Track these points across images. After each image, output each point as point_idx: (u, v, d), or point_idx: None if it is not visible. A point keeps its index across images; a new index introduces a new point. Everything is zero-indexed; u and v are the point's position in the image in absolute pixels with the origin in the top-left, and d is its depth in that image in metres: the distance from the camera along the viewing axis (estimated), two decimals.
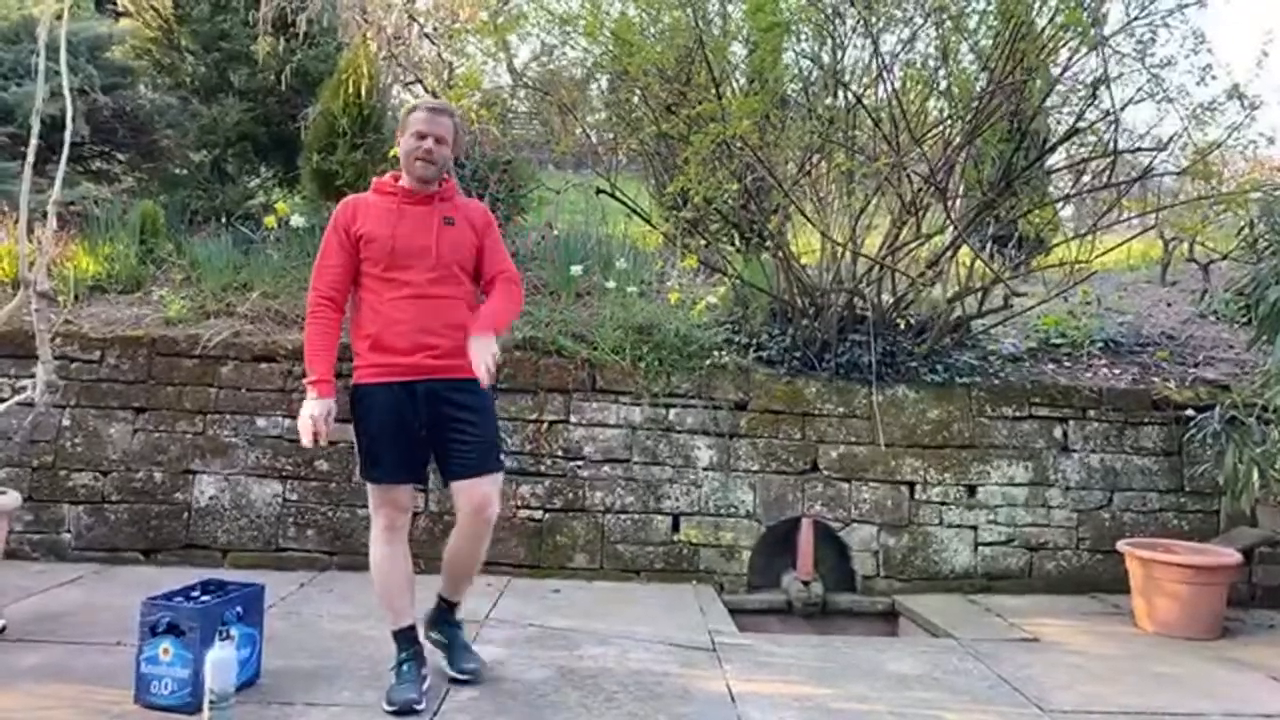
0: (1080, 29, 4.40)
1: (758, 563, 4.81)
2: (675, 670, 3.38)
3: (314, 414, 2.85)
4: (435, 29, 7.36)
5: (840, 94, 5.04)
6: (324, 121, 5.80)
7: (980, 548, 4.87)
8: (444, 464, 3.00)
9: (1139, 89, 4.54)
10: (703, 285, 5.99)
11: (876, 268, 5.09)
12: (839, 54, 4.94)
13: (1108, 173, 4.89)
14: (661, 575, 4.72)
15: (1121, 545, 4.41)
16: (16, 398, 3.89)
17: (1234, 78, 4.65)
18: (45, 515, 4.56)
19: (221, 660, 2.56)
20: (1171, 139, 4.71)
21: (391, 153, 5.32)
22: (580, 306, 5.38)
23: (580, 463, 4.78)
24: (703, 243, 5.84)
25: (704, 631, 3.90)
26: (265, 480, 4.66)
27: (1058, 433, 4.98)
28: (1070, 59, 4.70)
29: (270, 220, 5.69)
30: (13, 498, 3.68)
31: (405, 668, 2.92)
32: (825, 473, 4.86)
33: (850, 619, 4.68)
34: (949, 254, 5.15)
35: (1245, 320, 5.72)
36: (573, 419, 4.81)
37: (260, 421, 4.69)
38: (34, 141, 3.67)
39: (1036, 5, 4.53)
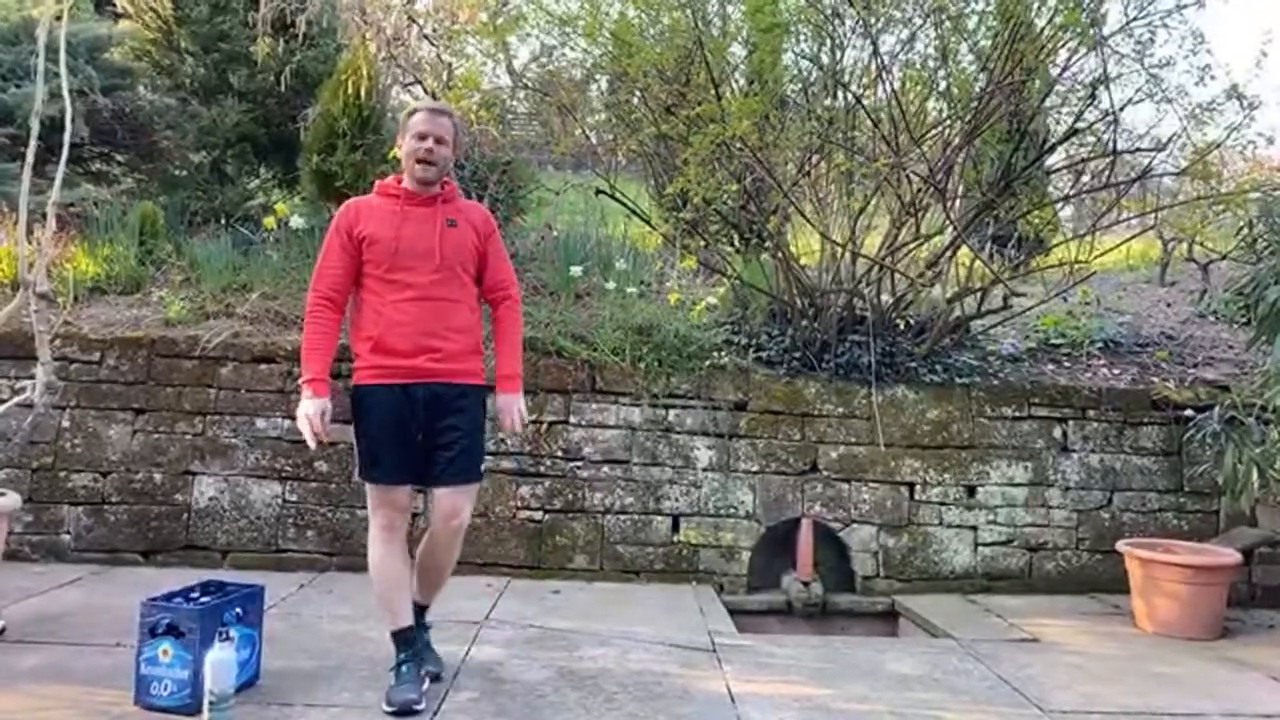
0: (1079, 29, 4.41)
1: (757, 563, 4.81)
2: (675, 671, 3.38)
3: (309, 413, 2.86)
4: (434, 30, 7.36)
5: (840, 95, 5.05)
6: (323, 123, 5.80)
7: (980, 548, 4.88)
8: (427, 468, 3.00)
9: (1138, 89, 4.55)
10: (702, 286, 5.99)
11: (876, 268, 5.09)
12: (838, 55, 4.95)
13: (1107, 173, 4.89)
14: (661, 576, 4.72)
15: (1121, 545, 4.41)
16: (16, 399, 3.88)
17: (1233, 78, 4.66)
18: (45, 516, 4.56)
19: (221, 661, 2.56)
20: (1171, 139, 4.72)
21: (391, 154, 5.33)
22: (580, 307, 5.39)
23: (580, 463, 4.78)
24: (702, 243, 5.84)
25: (704, 632, 3.89)
26: (265, 481, 4.66)
27: (1057, 433, 4.98)
28: (1069, 59, 4.70)
29: (270, 221, 5.69)
30: (12, 499, 3.68)
31: (405, 668, 2.92)
32: (825, 473, 4.86)
33: (850, 619, 4.68)
34: (948, 254, 5.15)
35: (1244, 320, 5.73)
36: (572, 420, 4.81)
37: (260, 422, 4.69)
38: (33, 143, 3.67)
39: (1035, 6, 4.54)
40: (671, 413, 4.84)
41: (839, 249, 5.12)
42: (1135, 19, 4.44)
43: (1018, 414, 4.98)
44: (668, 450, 4.82)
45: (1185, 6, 4.42)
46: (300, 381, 2.91)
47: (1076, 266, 5.13)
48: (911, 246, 5.15)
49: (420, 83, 7.14)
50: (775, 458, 4.85)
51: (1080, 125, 4.81)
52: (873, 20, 4.62)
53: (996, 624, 4.25)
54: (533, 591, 4.39)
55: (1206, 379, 5.20)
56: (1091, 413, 4.99)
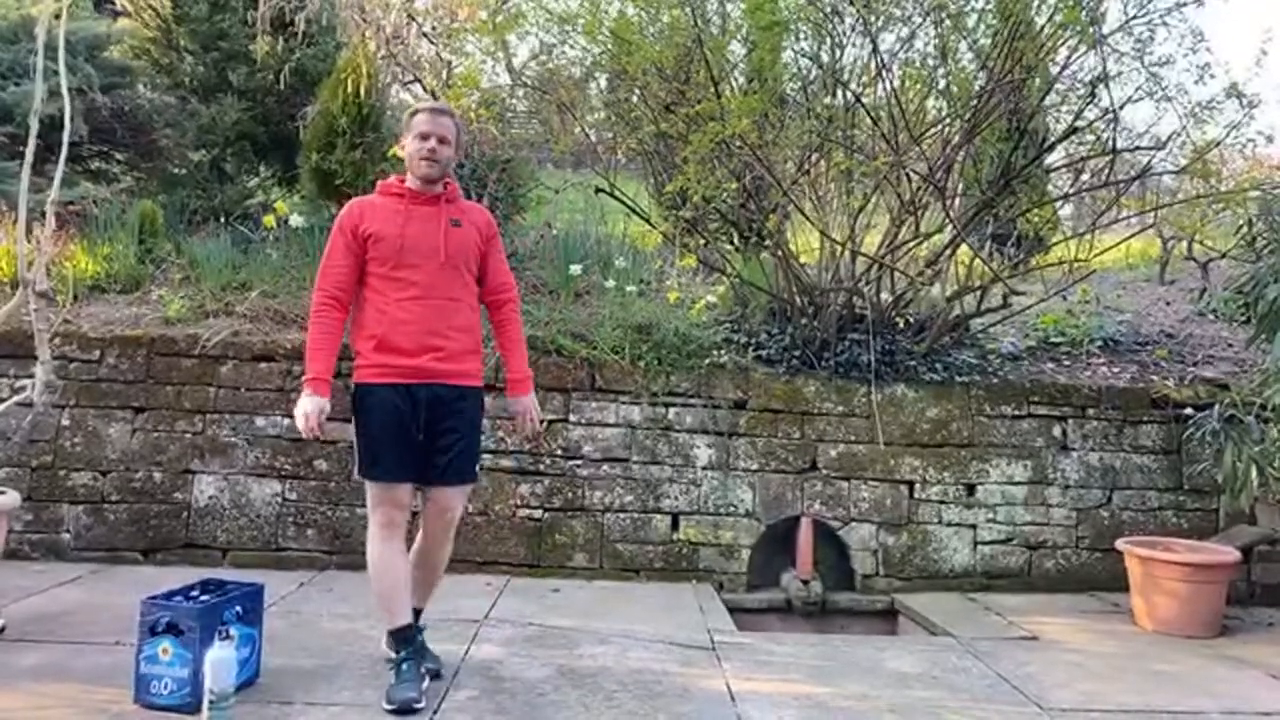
0: (1079, 27, 4.40)
1: (757, 561, 4.81)
2: (675, 669, 3.38)
3: (307, 411, 2.87)
4: (434, 28, 7.35)
5: (839, 93, 5.05)
6: (323, 121, 5.79)
7: (979, 546, 4.88)
8: (426, 468, 3.01)
9: (1138, 87, 4.55)
10: (702, 284, 5.99)
11: (875, 267, 5.09)
12: (838, 53, 4.95)
13: (1106, 171, 4.89)
14: (661, 574, 4.72)
15: (1120, 544, 4.41)
16: (15, 398, 3.88)
17: (1232, 76, 4.67)
18: (45, 515, 4.56)
19: (221, 660, 2.56)
20: (1170, 138, 4.72)
21: (390, 152, 5.34)
22: (579, 306, 5.39)
23: (579, 462, 4.78)
24: (702, 242, 5.84)
25: (703, 630, 3.90)
26: (265, 480, 4.66)
27: (1057, 431, 4.99)
28: (1069, 57, 4.70)
29: (269, 220, 5.69)
30: (12, 498, 3.68)
31: (405, 666, 2.92)
32: (824, 471, 4.86)
33: (849, 617, 4.69)
34: (948, 253, 5.15)
35: (1244, 318, 5.73)
36: (572, 418, 4.81)
37: (259, 421, 4.69)
38: (32, 141, 3.67)
39: (1035, 4, 4.54)
40: (671, 411, 4.84)
41: (838, 247, 5.12)
42: (1135, 17, 4.44)
43: (1017, 412, 4.98)
44: (667, 448, 4.82)
45: (1185, 5, 4.42)
46: (303, 379, 2.91)
47: (1076, 265, 5.14)
48: (911, 245, 5.15)
49: (420, 81, 7.14)
50: (775, 456, 4.85)
51: (1080, 123, 4.81)
52: (872, 18, 4.62)
53: (996, 622, 4.26)
54: (532, 590, 4.39)
55: (1206, 377, 5.21)
56: (1091, 411, 5.00)
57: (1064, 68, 4.75)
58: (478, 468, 3.17)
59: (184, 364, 4.71)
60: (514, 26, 5.37)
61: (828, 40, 4.92)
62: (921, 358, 5.03)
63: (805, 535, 4.74)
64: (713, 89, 4.64)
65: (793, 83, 5.39)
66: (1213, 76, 4.47)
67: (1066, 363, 5.36)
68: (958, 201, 5.34)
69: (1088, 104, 4.71)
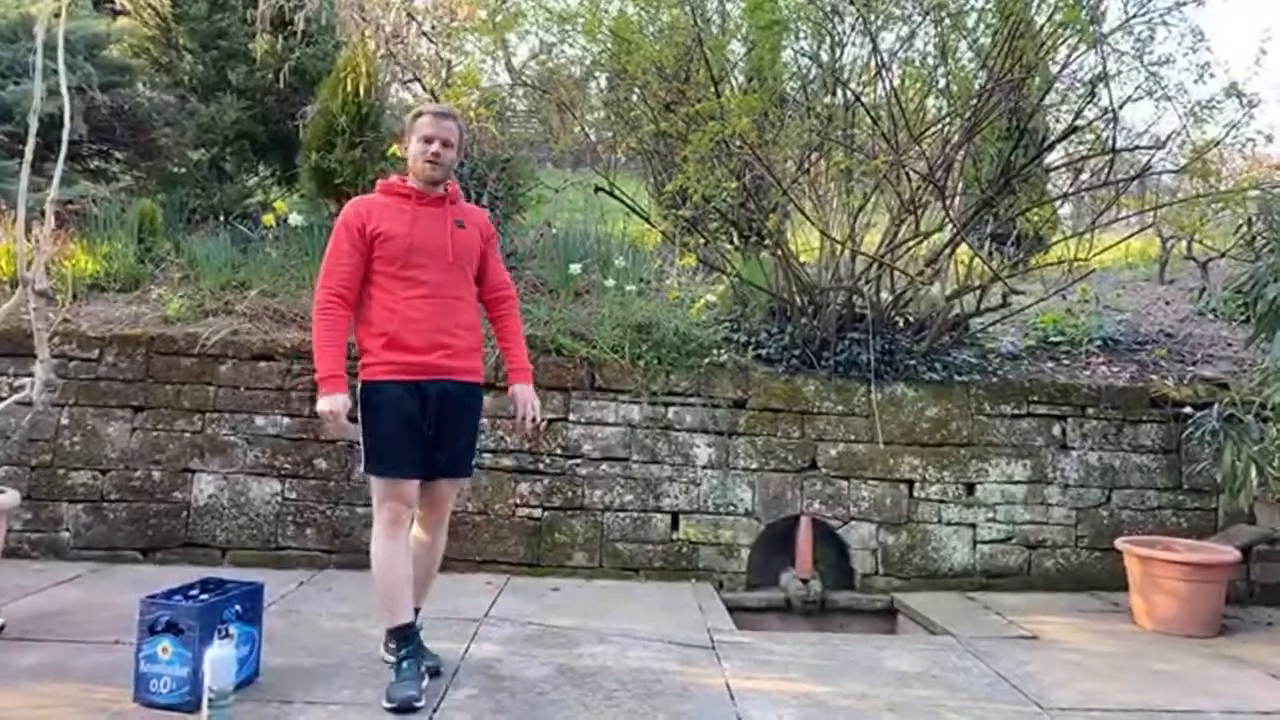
0: (1079, 26, 4.40)
1: (756, 561, 4.81)
2: (674, 668, 3.38)
3: (333, 409, 2.89)
4: (433, 27, 7.35)
5: (839, 92, 5.05)
6: (322, 120, 5.79)
7: (979, 545, 4.88)
8: (430, 463, 3.05)
9: (1137, 87, 4.55)
10: (701, 284, 5.99)
11: (875, 266, 5.09)
12: (838, 52, 4.95)
13: (1106, 171, 4.89)
14: (660, 573, 4.72)
15: (1120, 543, 4.41)
16: (15, 396, 3.87)
17: (1232, 75, 4.69)
18: (44, 514, 4.56)
19: (220, 658, 2.56)
20: (1170, 137, 4.72)
21: (390, 151, 5.33)
22: (579, 305, 5.38)
23: (579, 461, 4.78)
24: (701, 241, 5.84)
25: (703, 629, 3.90)
26: (264, 479, 4.66)
27: (1056, 431, 4.99)
28: (1069, 56, 4.70)
29: (268, 219, 5.69)
30: (11, 496, 3.68)
31: (405, 665, 2.93)
32: (824, 471, 4.86)
33: (849, 616, 4.69)
34: (948, 252, 5.15)
35: (1243, 318, 5.74)
36: (571, 417, 4.81)
37: (259, 420, 4.69)
38: (32, 140, 3.66)
39: (1035, 3, 4.54)
40: (671, 410, 4.84)
41: (838, 246, 5.12)
42: (1135, 16, 4.44)
43: (1017, 412, 4.98)
44: (667, 448, 4.82)
45: (1184, 4, 4.43)
46: (318, 378, 2.92)
47: (1076, 264, 5.14)
48: (911, 244, 5.15)
49: (419, 80, 7.14)
50: (774, 455, 4.85)
51: (1079, 123, 4.82)
52: (872, 17, 4.62)
53: (995, 621, 4.26)
54: (532, 589, 4.39)
55: (1205, 376, 5.21)
56: (1090, 410, 5.00)
57: (1064, 67, 4.75)
58: (474, 465, 3.24)
59: (183, 363, 4.71)
60: (514, 25, 5.37)
61: (827, 39, 4.92)
62: (921, 357, 5.03)
63: (805, 534, 4.75)
64: (712, 88, 4.64)
65: (792, 82, 5.39)
66: (1212, 76, 4.48)
67: (1066, 362, 5.37)
68: (957, 200, 5.34)
69: (1087, 103, 4.71)
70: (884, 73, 4.74)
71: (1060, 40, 4.61)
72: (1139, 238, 6.41)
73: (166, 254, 5.64)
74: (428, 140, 3.02)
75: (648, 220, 5.84)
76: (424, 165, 3.03)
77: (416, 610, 3.16)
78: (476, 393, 3.15)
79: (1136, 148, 4.90)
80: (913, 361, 5.01)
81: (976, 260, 5.18)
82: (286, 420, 4.68)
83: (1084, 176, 5.25)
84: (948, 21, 4.66)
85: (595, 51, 5.31)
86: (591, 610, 4.09)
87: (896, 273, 5.15)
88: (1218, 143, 4.63)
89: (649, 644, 3.65)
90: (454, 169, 3.19)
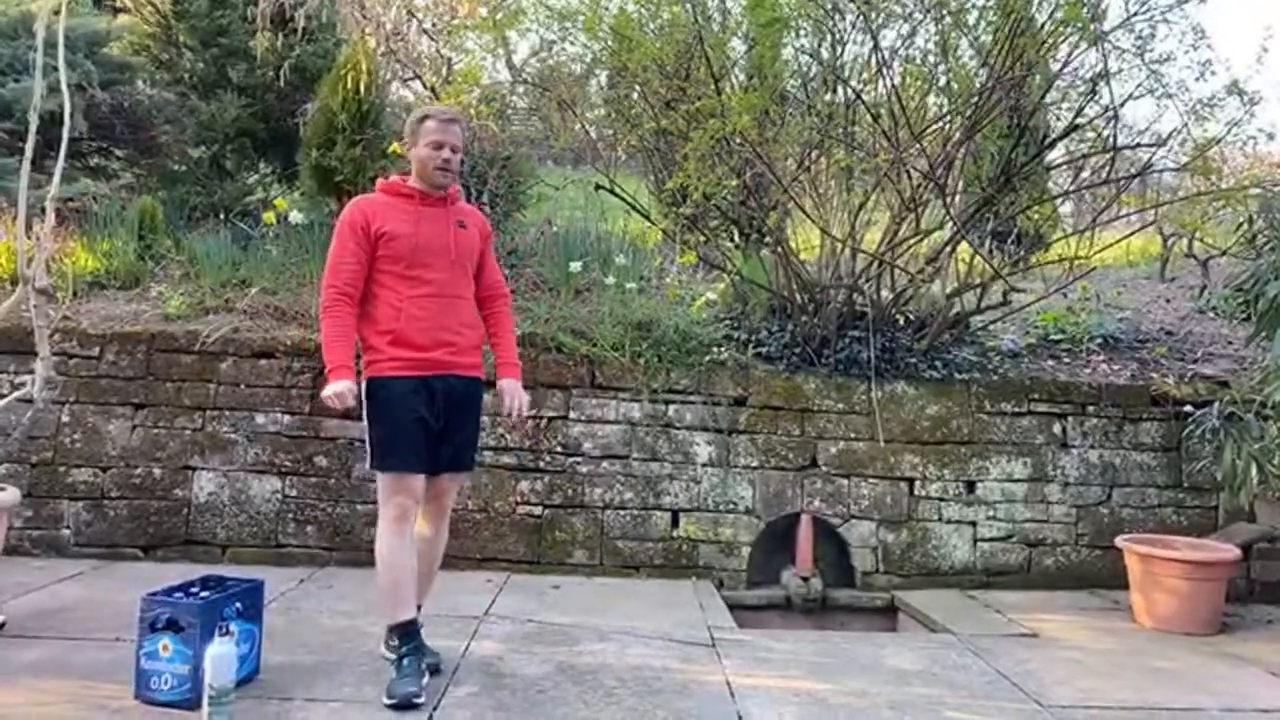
0: (1080, 24, 4.40)
1: (757, 558, 4.81)
2: (675, 665, 3.38)
3: (339, 391, 2.89)
4: (434, 25, 7.35)
5: (840, 90, 5.04)
6: (323, 117, 5.79)
7: (979, 543, 4.88)
8: (435, 458, 3.09)
9: (1138, 84, 4.54)
10: (702, 281, 5.99)
11: (876, 264, 5.09)
12: (838, 49, 4.94)
13: (1107, 169, 4.89)
14: (661, 571, 4.72)
15: (1120, 541, 4.41)
16: (15, 394, 3.87)
17: (1233, 73, 4.68)
18: (45, 511, 4.56)
19: (221, 656, 2.56)
20: (1171, 135, 4.71)
21: (391, 149, 5.33)
22: (579, 303, 5.38)
23: (579, 459, 4.78)
24: (702, 239, 5.83)
25: (703, 627, 3.90)
26: (264, 476, 4.66)
27: (1057, 429, 4.99)
28: (1070, 54, 4.69)
29: (269, 216, 5.68)
30: (12, 494, 3.68)
31: (405, 661, 2.93)
32: (824, 469, 4.86)
33: (849, 614, 4.69)
34: (948, 250, 5.15)
35: (1244, 316, 5.73)
36: (572, 415, 4.81)
37: (259, 418, 4.69)
38: (32, 137, 3.66)
39: (1036, 0, 4.53)
40: (671, 408, 4.84)
41: (839, 244, 5.12)
42: (1136, 14, 4.43)
43: (1017, 410, 4.98)
44: (667, 445, 4.82)
45: (1186, 1, 4.42)
46: (327, 371, 2.94)
47: (1076, 262, 5.13)
48: (911, 242, 5.14)
49: (420, 78, 7.14)
50: (775, 453, 4.85)
51: (1080, 121, 4.81)
52: (873, 15, 4.61)
53: (995, 619, 4.26)
54: (532, 586, 4.39)
55: (1206, 375, 5.20)
56: (1091, 408, 5.00)
57: (1065, 65, 4.74)
58: (475, 462, 3.29)
59: (184, 360, 4.71)
60: (514, 23, 5.36)
61: (828, 37, 4.92)
62: (922, 355, 5.03)
63: (805, 532, 4.75)
64: (713, 86, 4.64)
65: (793, 79, 5.38)
66: (1213, 73, 4.46)
67: (1066, 360, 5.36)
68: (958, 199, 5.34)
69: (1088, 101, 4.70)
70: (885, 70, 4.73)
71: (1061, 38, 4.61)
72: (1140, 236, 6.41)
73: (167, 251, 5.64)
74: (438, 146, 3.06)
75: (648, 218, 5.84)
76: (435, 171, 3.07)
77: (418, 607, 3.17)
78: (478, 388, 3.19)
79: (1137, 145, 4.89)
80: (913, 359, 5.01)
81: (977, 258, 5.17)
82: (287, 418, 4.68)
83: (1085, 174, 5.24)
84: (949, 19, 4.66)
85: (596, 49, 5.30)
86: (592, 608, 4.09)
87: (897, 271, 5.15)
88: (1219, 140, 4.62)
89: (649, 641, 3.65)
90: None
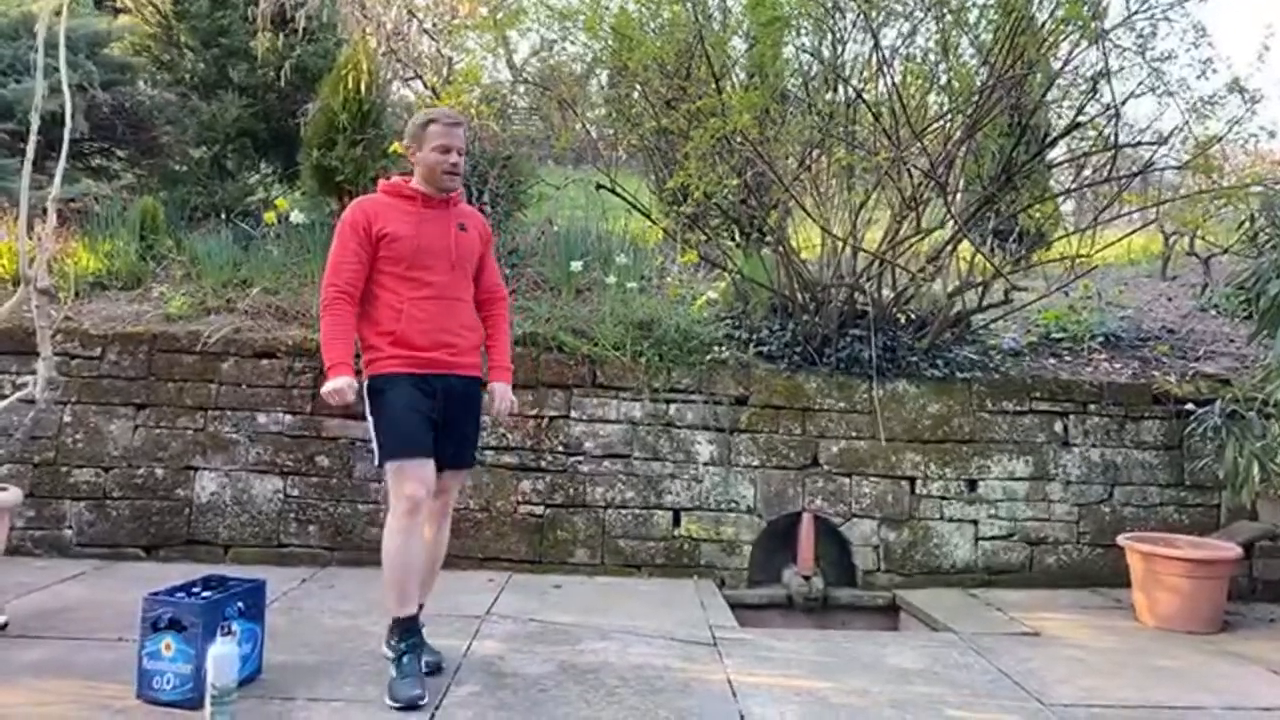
0: (1080, 22, 4.39)
1: (758, 557, 4.81)
2: (676, 664, 3.39)
3: (339, 386, 2.91)
4: (435, 25, 7.35)
5: (840, 89, 5.04)
6: (323, 117, 5.79)
7: (981, 542, 4.88)
8: (438, 455, 3.09)
9: (1140, 83, 4.54)
10: (703, 281, 5.99)
11: (877, 263, 5.09)
12: (839, 48, 4.94)
13: (1108, 167, 4.88)
14: (662, 570, 4.73)
15: (1122, 539, 4.41)
16: (17, 394, 3.88)
17: (1235, 71, 4.67)
18: (47, 511, 4.57)
19: (223, 655, 2.57)
20: (1172, 133, 4.71)
21: (392, 149, 5.33)
22: (580, 302, 5.38)
23: (581, 458, 4.78)
24: (703, 238, 5.83)
25: (705, 626, 3.90)
26: (266, 476, 4.67)
27: (1058, 427, 4.98)
28: (1070, 53, 4.69)
29: (270, 216, 5.69)
30: (14, 494, 3.69)
31: (406, 660, 2.94)
32: (826, 467, 4.86)
33: (851, 613, 4.69)
34: (949, 249, 5.15)
35: (1246, 314, 5.73)
36: (573, 414, 4.81)
37: (261, 417, 4.70)
38: (33, 138, 3.66)
39: None
40: (672, 407, 4.84)
41: (840, 243, 5.12)
42: (1137, 12, 4.42)
43: (1019, 408, 4.98)
44: (668, 445, 4.82)
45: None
46: (327, 368, 2.95)
47: (1078, 261, 5.12)
48: (912, 241, 5.14)
49: (420, 77, 7.14)
50: (776, 452, 4.85)
51: (1081, 119, 4.81)
52: (874, 14, 4.61)
53: (997, 618, 4.26)
54: (534, 586, 4.40)
55: (1207, 373, 5.20)
56: (1092, 407, 4.99)
57: (1066, 63, 4.74)
58: (475, 454, 3.33)
59: (185, 360, 4.72)
60: (515, 22, 5.36)
61: (829, 36, 4.91)
62: (923, 353, 5.03)
63: (806, 531, 4.75)
64: (714, 85, 4.64)
65: (794, 78, 5.38)
66: (1215, 71, 4.46)
67: (1068, 358, 5.36)
68: (959, 197, 5.34)
69: (1089, 99, 4.70)
70: (885, 69, 4.73)
71: (1062, 36, 4.60)
72: (1141, 234, 6.40)
73: (168, 252, 5.65)
74: (445, 150, 3.07)
75: (649, 217, 5.83)
76: (443, 176, 3.09)
77: (420, 606, 3.17)
78: (478, 387, 3.22)
79: (1139, 144, 4.88)
80: (914, 358, 5.00)
81: (978, 257, 5.17)
82: (289, 418, 4.68)
83: (1086, 173, 5.24)
84: (949, 18, 4.65)
85: (596, 48, 5.31)
86: (593, 607, 4.09)
87: (898, 269, 5.14)
88: (1220, 139, 4.62)
89: (651, 641, 3.65)
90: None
